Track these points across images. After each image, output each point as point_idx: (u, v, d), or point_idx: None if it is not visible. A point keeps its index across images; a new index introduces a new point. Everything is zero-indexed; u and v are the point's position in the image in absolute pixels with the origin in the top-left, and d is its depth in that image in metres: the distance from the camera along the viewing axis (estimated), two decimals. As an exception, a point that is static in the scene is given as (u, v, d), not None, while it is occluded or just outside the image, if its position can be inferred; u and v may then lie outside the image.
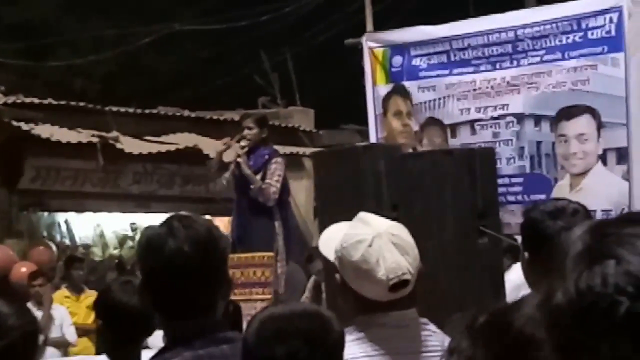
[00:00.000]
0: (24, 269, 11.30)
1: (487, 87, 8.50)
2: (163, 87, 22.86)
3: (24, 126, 12.15)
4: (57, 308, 10.34)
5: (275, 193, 9.29)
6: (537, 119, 8.26)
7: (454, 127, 8.69)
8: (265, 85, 18.98)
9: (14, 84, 15.51)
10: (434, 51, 8.87)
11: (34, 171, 12.91)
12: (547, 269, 3.25)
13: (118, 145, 12.66)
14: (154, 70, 24.07)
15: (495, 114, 8.46)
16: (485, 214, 4.60)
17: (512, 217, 7.66)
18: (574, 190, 7.99)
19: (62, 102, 13.34)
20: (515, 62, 8.40)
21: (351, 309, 3.18)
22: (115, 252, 15.54)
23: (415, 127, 8.91)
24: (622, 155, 7.82)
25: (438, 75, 8.83)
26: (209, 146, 13.53)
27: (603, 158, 7.93)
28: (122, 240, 15.75)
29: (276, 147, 10.04)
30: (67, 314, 10.45)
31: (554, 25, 8.19)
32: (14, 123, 12.15)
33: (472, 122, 8.59)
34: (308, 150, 14.10)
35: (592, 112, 7.93)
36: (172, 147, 13.13)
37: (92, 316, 10.68)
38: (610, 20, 7.90)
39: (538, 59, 8.28)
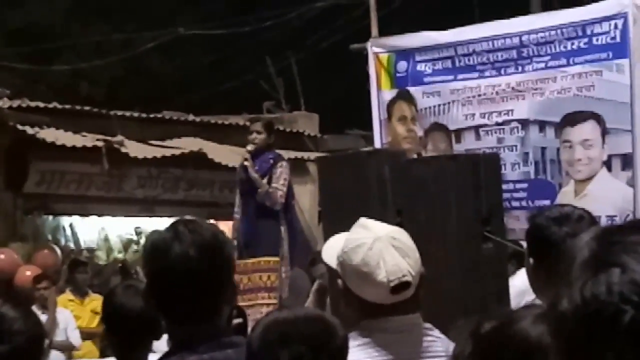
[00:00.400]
0: (28, 273, 11.31)
1: (492, 93, 8.49)
2: (168, 91, 22.87)
3: (29, 130, 12.17)
4: (61, 311, 10.36)
5: (282, 197, 9.33)
6: (542, 125, 8.26)
7: (459, 133, 8.69)
8: (270, 90, 18.98)
9: (19, 88, 15.54)
10: (438, 57, 8.87)
11: (39, 175, 12.92)
12: (552, 275, 3.25)
13: (123, 150, 12.67)
14: (159, 75, 24.08)
15: (499, 120, 8.45)
16: (490, 219, 4.61)
17: (516, 223, 7.66)
18: (579, 196, 7.99)
19: (67, 106, 13.35)
20: (520, 68, 8.39)
21: (354, 313, 3.19)
22: (120, 256, 15.54)
23: (420, 133, 8.91)
24: (627, 161, 7.81)
25: (443, 81, 8.83)
26: (214, 151, 13.56)
27: (608, 164, 7.92)
28: (126, 244, 15.75)
29: (280, 151, 10.07)
30: (71, 317, 10.46)
31: (559, 31, 8.19)
32: (19, 127, 12.17)
33: (476, 128, 8.59)
34: (312, 155, 14.10)
35: (597, 118, 7.92)
36: (177, 152, 13.13)
37: (97, 320, 10.71)
38: (616, 27, 7.89)
39: (543, 64, 8.27)
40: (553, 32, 8.22)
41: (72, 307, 10.82)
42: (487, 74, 8.58)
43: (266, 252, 9.25)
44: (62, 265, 12.22)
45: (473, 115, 8.60)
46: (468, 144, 8.60)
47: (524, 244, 5.04)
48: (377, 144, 9.20)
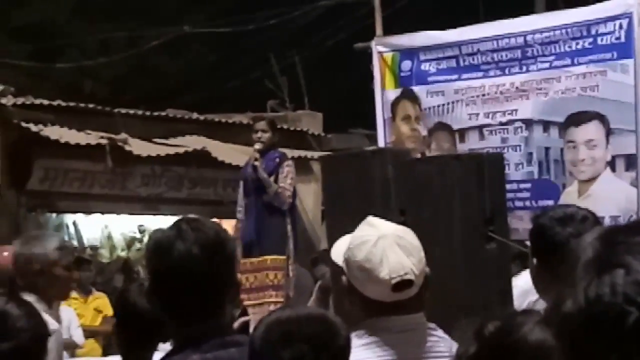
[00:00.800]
0: (31, 270, 11.30)
1: (496, 93, 8.49)
2: (172, 89, 22.90)
3: (33, 127, 12.17)
4: (64, 309, 10.34)
5: (290, 197, 9.36)
6: (546, 125, 8.25)
7: (463, 132, 8.68)
8: (274, 88, 18.99)
9: (23, 85, 15.54)
10: (443, 56, 8.87)
11: (43, 172, 12.92)
12: (556, 276, 3.24)
13: (127, 148, 12.67)
14: (163, 73, 24.11)
15: (503, 120, 8.45)
16: (494, 219, 4.60)
17: (519, 223, 7.66)
18: (582, 197, 7.98)
19: (72, 104, 13.35)
20: (524, 68, 8.39)
21: (358, 312, 3.20)
22: (123, 254, 15.56)
23: (424, 132, 8.91)
24: (631, 161, 7.81)
25: (447, 80, 8.82)
26: (218, 149, 13.55)
27: (612, 164, 7.92)
28: (129, 242, 15.77)
29: (284, 150, 10.07)
30: (74, 315, 10.45)
31: (563, 31, 8.18)
32: (23, 124, 12.17)
33: (480, 128, 8.58)
34: (316, 154, 14.10)
35: (601, 118, 7.92)
36: (181, 150, 13.13)
37: (100, 318, 10.72)
38: (620, 27, 7.89)
39: (547, 64, 8.27)
40: (557, 32, 8.21)
41: (76, 305, 10.82)
42: (491, 73, 8.58)
43: (273, 250, 9.26)
44: (66, 263, 12.22)
45: (477, 114, 8.60)
46: (472, 143, 8.60)
47: (528, 243, 5.03)
48: (381, 143, 9.19)
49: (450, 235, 4.53)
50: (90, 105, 13.61)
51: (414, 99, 8.98)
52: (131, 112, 14.00)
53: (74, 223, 14.82)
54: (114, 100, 15.71)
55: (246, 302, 8.83)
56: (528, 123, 8.31)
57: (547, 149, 8.26)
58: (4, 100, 12.28)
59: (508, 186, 6.63)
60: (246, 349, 2.63)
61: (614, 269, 1.27)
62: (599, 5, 8.27)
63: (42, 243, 5.06)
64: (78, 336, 10.30)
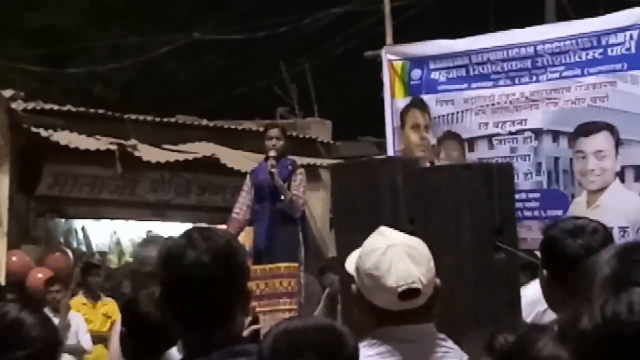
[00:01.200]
0: (40, 275, 11.36)
1: (506, 102, 8.49)
2: (182, 95, 22.93)
3: (43, 132, 12.20)
4: (73, 315, 10.38)
5: (303, 205, 9.38)
6: (555, 135, 8.25)
7: (472, 142, 8.68)
8: (283, 95, 19.01)
9: (33, 90, 15.58)
10: (453, 65, 8.87)
11: (52, 177, 12.95)
12: (567, 288, 3.24)
13: (136, 153, 12.69)
14: (173, 79, 24.15)
15: (513, 129, 8.45)
16: (503, 229, 4.60)
17: (528, 233, 7.66)
18: (591, 207, 7.97)
19: (82, 109, 13.39)
20: (534, 78, 8.39)
21: (367, 320, 3.21)
22: (131, 259, 15.57)
23: (433, 141, 8.91)
24: (640, 173, 7.81)
25: (457, 89, 8.83)
26: (227, 156, 13.57)
27: (621, 175, 7.91)
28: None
29: (293, 157, 10.07)
30: (82, 320, 10.49)
31: (573, 41, 8.18)
32: (33, 129, 12.20)
33: (489, 137, 8.58)
34: (325, 162, 14.11)
35: (610, 129, 7.91)
36: (190, 156, 13.15)
37: (108, 323, 10.73)
38: (631, 38, 7.89)
39: (557, 74, 8.27)
40: (568, 42, 8.22)
41: (85, 310, 10.85)
42: (501, 83, 8.58)
43: (286, 257, 9.27)
44: (74, 268, 12.26)
45: (486, 124, 8.60)
46: (481, 153, 8.60)
47: (537, 253, 5.02)
48: (390, 152, 9.20)
49: (459, 245, 4.53)
50: (100, 111, 13.64)
51: (424, 107, 8.98)
52: (141, 118, 14.02)
53: (83, 228, 14.83)
54: (124, 106, 15.73)
55: (257, 309, 8.82)
56: (537, 133, 8.31)
57: (556, 158, 8.26)
58: (14, 105, 12.31)
59: (517, 196, 6.63)
60: (255, 359, 2.64)
61: (631, 288, 1.27)
62: (609, 16, 8.27)
63: (157, 247, 5.07)
64: (86, 342, 10.33)
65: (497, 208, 4.62)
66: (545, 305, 3.82)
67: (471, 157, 8.62)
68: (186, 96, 22.83)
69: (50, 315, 9.15)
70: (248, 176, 9.83)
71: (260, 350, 2.60)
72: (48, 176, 12.87)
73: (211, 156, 13.33)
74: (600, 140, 7.99)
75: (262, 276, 9.14)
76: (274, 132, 9.59)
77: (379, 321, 3.15)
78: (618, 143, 7.88)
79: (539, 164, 8.32)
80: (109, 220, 14.73)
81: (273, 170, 9.28)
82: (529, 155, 8.36)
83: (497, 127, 8.52)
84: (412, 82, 9.11)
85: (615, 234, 7.47)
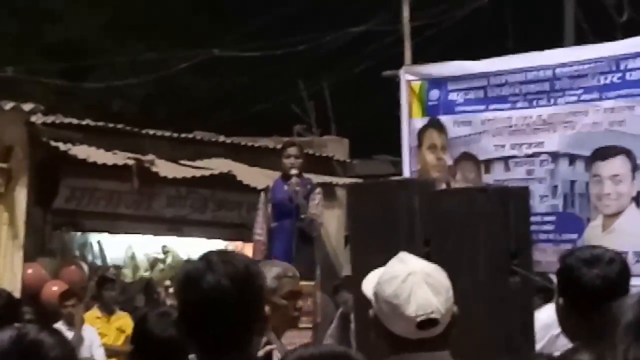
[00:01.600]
0: (55, 288, 11.38)
1: (523, 125, 8.51)
2: (200, 111, 22.98)
3: (62, 146, 12.25)
4: (86, 328, 10.41)
5: (321, 224, 9.39)
6: (572, 158, 8.26)
7: (488, 163, 8.70)
8: (301, 113, 19.04)
9: (52, 104, 15.64)
10: (471, 86, 8.90)
11: (69, 191, 12.98)
12: (582, 316, 3.26)
13: (153, 169, 12.73)
14: (192, 95, 24.21)
15: (529, 152, 8.47)
16: (518, 253, 4.61)
17: (543, 256, 7.66)
18: (606, 231, 7.98)
19: (100, 124, 13.44)
20: (552, 101, 8.41)
21: (383, 346, 3.21)
22: (146, 274, 15.59)
23: (450, 162, 8.93)
24: (656, 197, 7.80)
25: (474, 111, 8.85)
26: (243, 172, 13.59)
27: (637, 200, 7.91)
28: (152, 263, 15.79)
29: (309, 175, 10.09)
30: (96, 334, 10.51)
31: (592, 65, 8.20)
32: (52, 143, 12.25)
33: (506, 159, 8.60)
34: (341, 180, 14.11)
35: (627, 153, 7.92)
36: (207, 172, 13.18)
37: (122, 338, 10.76)
38: (650, 62, 7.90)
39: (575, 98, 8.28)
40: (586, 66, 8.23)
41: (99, 324, 10.87)
42: (518, 105, 8.60)
43: (304, 276, 9.26)
44: (89, 282, 12.28)
45: (503, 146, 8.62)
46: (497, 174, 8.61)
47: (552, 277, 5.02)
48: (406, 172, 9.22)
49: (474, 268, 4.54)
50: (119, 126, 13.69)
51: (441, 128, 9.01)
52: (159, 133, 14.06)
53: (99, 242, 14.87)
54: (142, 121, 15.78)
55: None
56: (554, 156, 8.32)
57: (572, 182, 8.27)
58: (33, 119, 12.37)
59: (532, 219, 6.64)
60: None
61: None
62: (628, 40, 8.30)
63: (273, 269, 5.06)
64: (100, 355, 10.35)
65: (513, 232, 4.63)
66: (559, 330, 3.84)
67: (487, 178, 8.63)
68: (204, 112, 22.89)
69: (65, 328, 9.20)
70: (263, 194, 9.82)
71: None
72: (65, 190, 12.91)
73: (228, 173, 13.36)
74: (617, 165, 7.99)
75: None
76: (293, 150, 9.58)
77: (395, 348, 3.15)
78: (635, 168, 7.89)
79: (555, 187, 8.32)
80: (124, 234, 14.75)
81: (297, 188, 9.27)
82: (545, 178, 8.37)
83: (514, 149, 8.54)
84: (430, 103, 9.14)
85: (630, 258, 7.47)
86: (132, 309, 11.96)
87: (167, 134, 14.21)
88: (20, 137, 12.17)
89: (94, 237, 14.77)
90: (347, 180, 13.38)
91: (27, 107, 12.10)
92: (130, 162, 12.61)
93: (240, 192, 13.55)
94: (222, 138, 15.03)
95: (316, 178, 11.00)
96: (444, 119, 9.00)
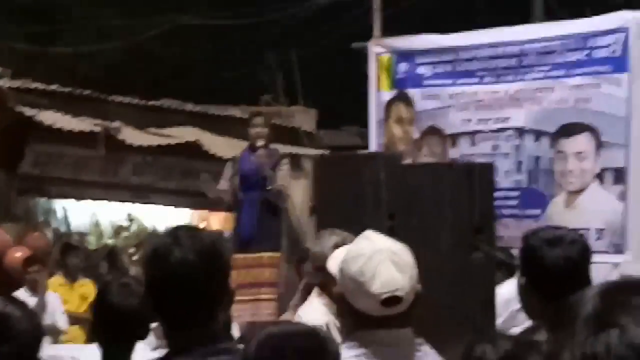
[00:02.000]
0: (19, 254, 11.28)
1: (490, 100, 8.53)
2: (167, 78, 22.87)
3: (28, 111, 12.19)
4: (49, 295, 10.36)
5: (288, 196, 9.37)
6: (538, 134, 8.29)
7: (455, 137, 8.72)
8: (269, 83, 19.01)
9: (19, 67, 15.52)
10: (439, 60, 8.90)
11: (35, 156, 12.93)
12: (544, 295, 3.30)
13: (120, 136, 12.70)
14: (159, 62, 24.08)
15: (495, 127, 8.49)
16: (482, 228, 4.65)
17: (506, 231, 7.68)
18: (569, 207, 8.04)
19: (67, 90, 13.37)
20: (519, 77, 8.43)
21: (347, 322, 3.25)
22: (110, 241, 15.56)
23: (416, 135, 8.94)
24: (619, 175, 7.85)
25: (442, 85, 8.86)
26: (210, 141, 13.58)
27: (600, 177, 7.96)
28: (117, 230, 15.77)
29: (277, 146, 10.06)
30: (59, 301, 10.46)
31: (560, 42, 8.23)
32: (18, 108, 12.19)
33: (472, 134, 8.62)
34: (308, 151, 14.14)
35: (592, 130, 7.96)
36: (173, 141, 13.16)
37: (85, 305, 10.72)
38: (616, 41, 7.93)
39: (542, 74, 8.31)
40: (554, 43, 8.26)
41: (62, 290, 10.83)
42: (486, 80, 8.62)
43: (270, 247, 9.24)
44: (53, 248, 12.25)
45: (470, 120, 8.64)
46: (463, 149, 8.64)
47: (514, 251, 5.07)
48: (373, 144, 9.23)
49: (438, 242, 4.57)
50: (86, 92, 13.63)
51: (408, 101, 9.01)
52: (126, 100, 14.02)
53: (64, 209, 14.82)
54: (109, 87, 15.69)
55: (237, 298, 8.81)
56: (520, 131, 8.36)
57: (537, 158, 8.30)
58: (0, 83, 12.29)
59: (496, 194, 6.68)
60: (237, 357, 2.68)
61: (611, 329, 1.30)
62: (596, 18, 8.32)
63: (320, 241, 4.99)
64: (62, 322, 10.30)
65: (478, 207, 4.66)
66: (519, 305, 3.88)
67: (453, 153, 8.66)
68: (172, 80, 22.78)
69: (28, 295, 9.17)
70: (229, 164, 9.71)
71: (245, 356, 2.64)
72: (31, 155, 12.86)
73: (194, 142, 13.34)
74: (581, 142, 8.04)
75: (244, 265, 9.11)
76: (259, 120, 9.48)
77: (359, 324, 3.18)
78: (599, 145, 7.93)
79: (520, 162, 8.36)
80: (90, 201, 14.71)
81: (263, 160, 9.19)
82: (510, 154, 8.40)
83: (480, 124, 8.57)
84: (397, 76, 9.13)
85: (592, 235, 7.54)
86: (96, 276, 11.93)
87: (135, 101, 14.18)
88: (-14, 102, 12.11)
89: (59, 204, 14.73)
90: (314, 151, 13.41)
91: (-6, 71, 12.02)
92: (97, 129, 12.58)
93: (206, 160, 13.55)
94: (189, 106, 15.00)
95: (283, 148, 10.99)
96: (412, 92, 9.00)
